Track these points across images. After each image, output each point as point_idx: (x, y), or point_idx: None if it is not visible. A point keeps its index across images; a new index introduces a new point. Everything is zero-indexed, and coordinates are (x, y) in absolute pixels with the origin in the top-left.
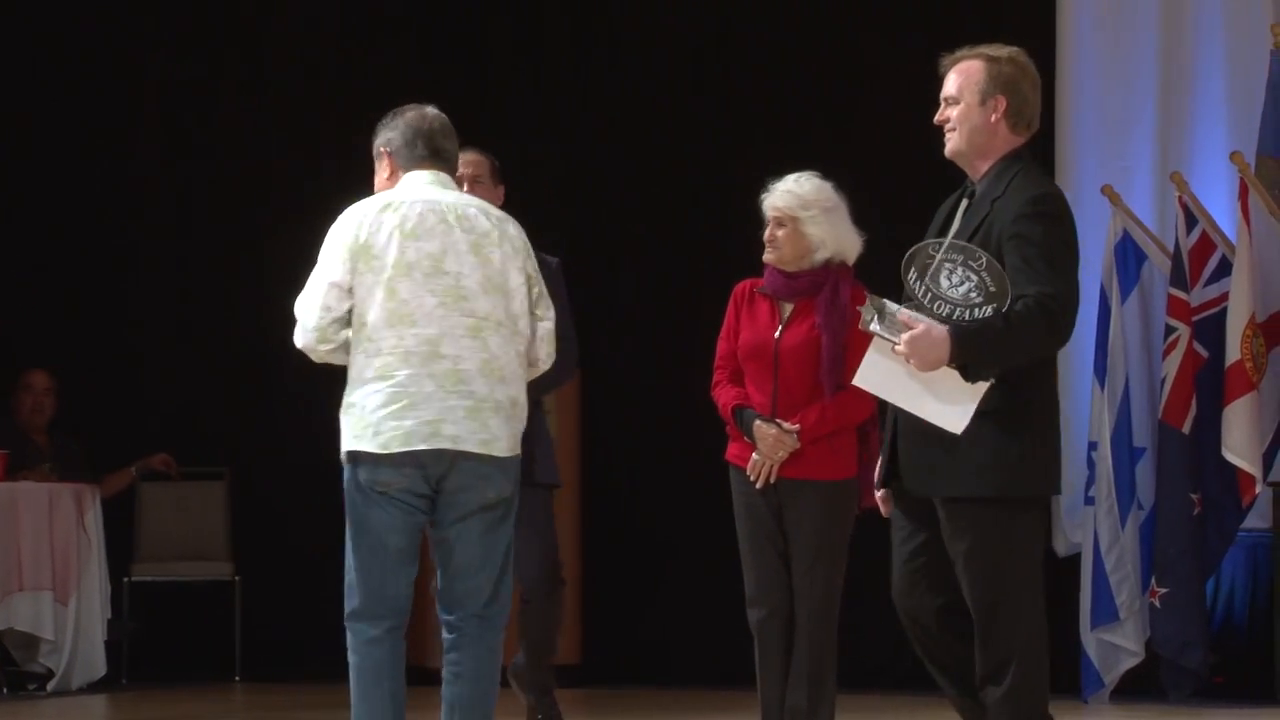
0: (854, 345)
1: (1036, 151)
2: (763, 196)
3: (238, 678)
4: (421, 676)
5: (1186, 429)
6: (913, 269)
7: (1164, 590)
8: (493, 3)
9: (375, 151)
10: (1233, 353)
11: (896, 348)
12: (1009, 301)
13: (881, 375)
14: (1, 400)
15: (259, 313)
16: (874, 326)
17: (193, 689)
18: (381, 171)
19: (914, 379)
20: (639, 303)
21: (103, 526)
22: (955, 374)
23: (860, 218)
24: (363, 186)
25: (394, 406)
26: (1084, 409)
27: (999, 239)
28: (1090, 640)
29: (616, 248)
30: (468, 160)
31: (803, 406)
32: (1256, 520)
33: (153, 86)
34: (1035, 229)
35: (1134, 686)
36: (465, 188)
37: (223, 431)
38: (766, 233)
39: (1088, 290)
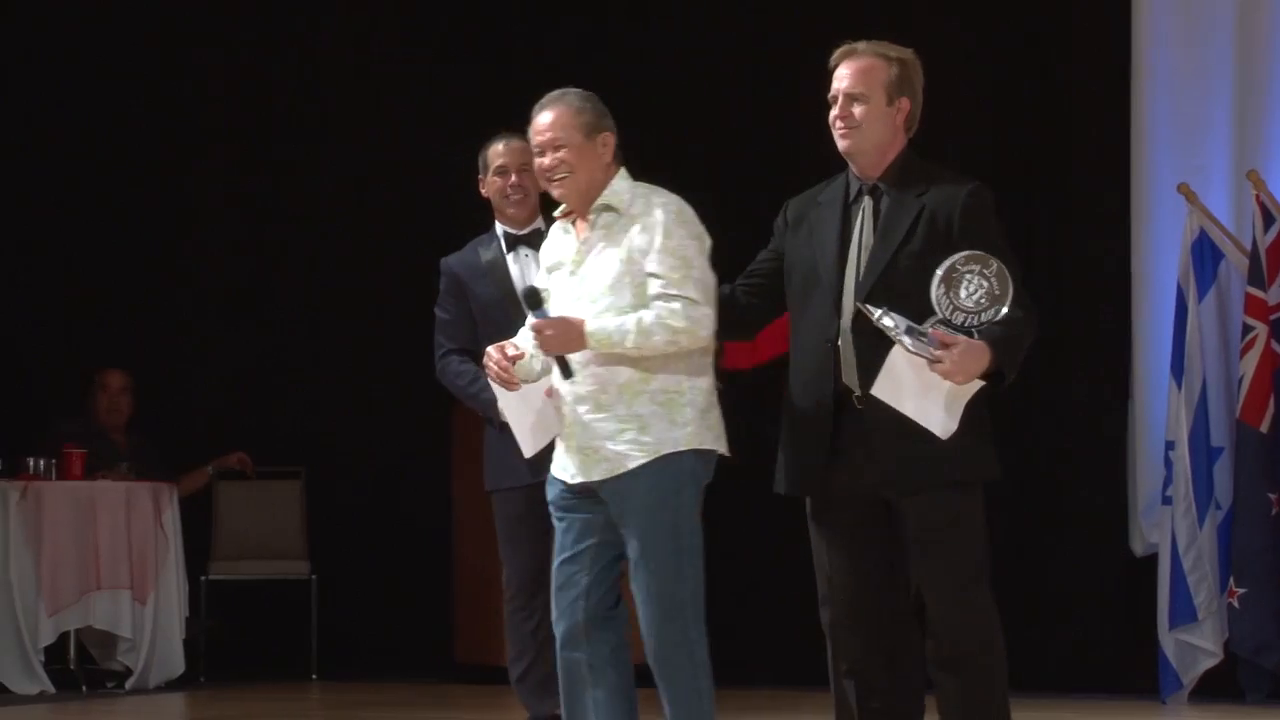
0: None
1: (1113, 151)
2: None
3: (314, 676)
4: (494, 675)
5: (1264, 428)
6: (941, 285)
7: (1242, 590)
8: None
9: (593, 128)
10: None
11: (936, 365)
12: (1009, 300)
13: (896, 385)
14: (79, 400)
15: (336, 313)
16: (907, 342)
17: (269, 687)
18: (603, 154)
19: (918, 387)
20: None
21: (180, 525)
22: (942, 380)
23: None
24: (428, 186)
25: None
26: (1161, 408)
27: (946, 232)
28: (1168, 641)
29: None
30: (515, 148)
31: None
32: None
33: (218, 90)
34: (986, 222)
35: (1212, 687)
36: (514, 178)
37: (299, 430)
38: None
39: (1164, 289)
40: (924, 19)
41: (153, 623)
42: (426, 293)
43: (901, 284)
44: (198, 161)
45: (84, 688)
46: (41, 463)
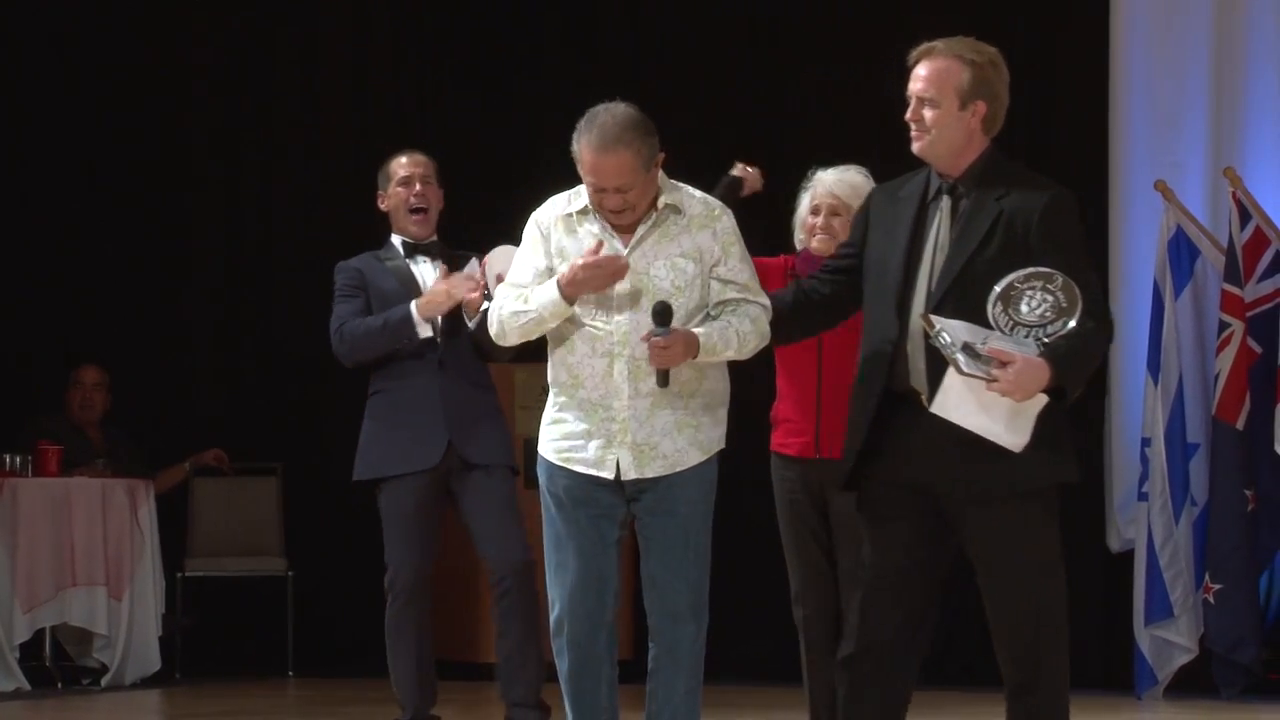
0: None
1: (1090, 147)
2: (808, 185)
3: (290, 673)
4: (470, 671)
5: (1240, 425)
6: (999, 303)
7: (1218, 586)
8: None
9: (650, 161)
10: None
11: (992, 384)
12: (1078, 312)
13: (956, 403)
14: (57, 397)
15: (313, 311)
16: (965, 367)
17: (246, 684)
18: (655, 174)
19: (978, 404)
20: None
21: (156, 522)
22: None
23: None
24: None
25: None
26: (1137, 405)
27: (1024, 237)
28: (1144, 636)
29: None
30: (419, 161)
31: (848, 384)
32: None
33: (202, 86)
34: (1065, 229)
35: (1187, 683)
36: (418, 186)
37: (276, 427)
38: (820, 221)
39: (1141, 286)
40: (901, 16)
41: (128, 619)
42: None
43: (975, 290)
44: (179, 160)
45: (59, 685)
46: (17, 459)
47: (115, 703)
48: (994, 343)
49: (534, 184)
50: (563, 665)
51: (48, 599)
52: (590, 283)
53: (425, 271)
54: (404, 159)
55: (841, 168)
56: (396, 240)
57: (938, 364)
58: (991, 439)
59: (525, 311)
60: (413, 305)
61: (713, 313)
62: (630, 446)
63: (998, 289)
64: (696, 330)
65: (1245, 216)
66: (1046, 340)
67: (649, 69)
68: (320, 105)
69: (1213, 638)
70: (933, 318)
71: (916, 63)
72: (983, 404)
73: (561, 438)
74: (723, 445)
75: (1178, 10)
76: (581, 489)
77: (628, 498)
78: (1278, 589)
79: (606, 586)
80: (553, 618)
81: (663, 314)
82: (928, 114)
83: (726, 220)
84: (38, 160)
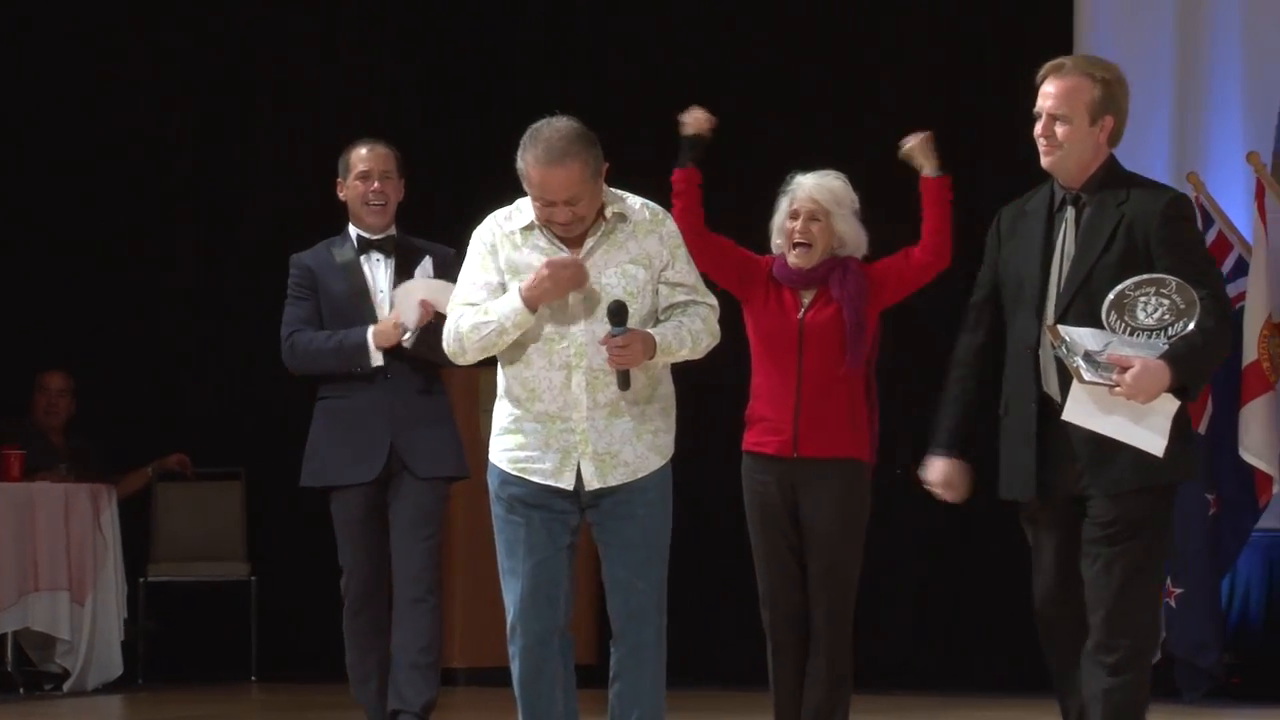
0: (873, 317)
1: None
2: (787, 189)
3: (254, 678)
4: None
5: (1203, 429)
6: (1113, 311)
7: (1180, 590)
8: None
9: (596, 172)
10: (1249, 353)
11: (1115, 390)
12: (1197, 313)
13: (1087, 409)
14: (20, 401)
15: (277, 313)
16: (1086, 375)
17: (209, 689)
18: (601, 184)
19: (1108, 409)
20: None
21: (119, 526)
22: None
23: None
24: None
25: None
26: None
27: (1144, 242)
28: None
29: None
30: (379, 154)
31: (828, 384)
32: (1273, 520)
33: (183, 89)
34: (1182, 232)
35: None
36: (376, 183)
37: (239, 432)
38: (799, 225)
39: None
40: (873, 18)
41: (91, 624)
42: None
43: (1098, 296)
44: (142, 165)
45: (21, 690)
46: None
47: (78, 708)
48: (1114, 348)
49: (506, 178)
50: (516, 670)
51: (10, 604)
52: (553, 291)
53: (378, 271)
54: (364, 150)
55: (821, 172)
56: (353, 233)
57: (1067, 371)
58: (1127, 442)
59: (486, 323)
60: (369, 334)
61: (661, 316)
62: (592, 457)
63: (1110, 297)
64: (652, 331)
65: (1208, 221)
66: (1170, 340)
67: (623, 67)
68: (292, 109)
69: (1174, 641)
70: (1059, 329)
71: (1044, 79)
72: (1110, 409)
73: (517, 448)
74: (674, 448)
75: (1141, 15)
76: (534, 496)
77: (583, 505)
78: (1240, 593)
79: (559, 591)
80: (507, 624)
81: (618, 313)
82: (1059, 130)
83: (671, 224)
84: (4, 163)
